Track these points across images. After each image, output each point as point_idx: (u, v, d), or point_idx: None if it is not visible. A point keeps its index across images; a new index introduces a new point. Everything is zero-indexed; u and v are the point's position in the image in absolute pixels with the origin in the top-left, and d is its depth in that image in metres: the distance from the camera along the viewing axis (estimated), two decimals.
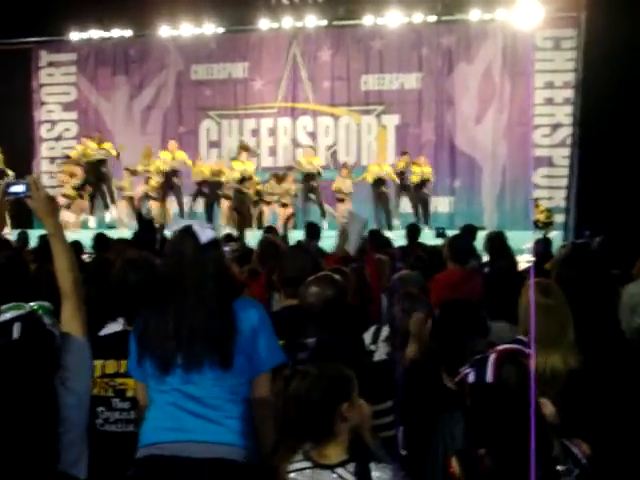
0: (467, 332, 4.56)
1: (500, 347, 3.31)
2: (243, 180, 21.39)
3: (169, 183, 22.00)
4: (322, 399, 3.23)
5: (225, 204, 22.22)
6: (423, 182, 21.90)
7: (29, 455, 3.42)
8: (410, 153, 22.22)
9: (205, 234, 3.83)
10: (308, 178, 22.06)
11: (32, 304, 3.58)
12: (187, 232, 3.84)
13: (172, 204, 22.21)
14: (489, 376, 3.20)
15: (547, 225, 20.74)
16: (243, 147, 22.16)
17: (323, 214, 21.65)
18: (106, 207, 22.08)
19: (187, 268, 3.79)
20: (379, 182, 21.92)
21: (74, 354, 3.62)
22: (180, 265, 3.80)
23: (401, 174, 21.95)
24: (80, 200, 22.53)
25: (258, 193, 22.36)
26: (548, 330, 4.19)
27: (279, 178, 22.48)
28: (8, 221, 18.35)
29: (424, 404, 4.39)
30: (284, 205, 22.25)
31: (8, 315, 3.51)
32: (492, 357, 3.22)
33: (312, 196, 22.10)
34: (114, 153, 22.01)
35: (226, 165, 22.14)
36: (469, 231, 10.05)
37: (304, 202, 22.22)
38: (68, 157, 23.03)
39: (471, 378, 3.24)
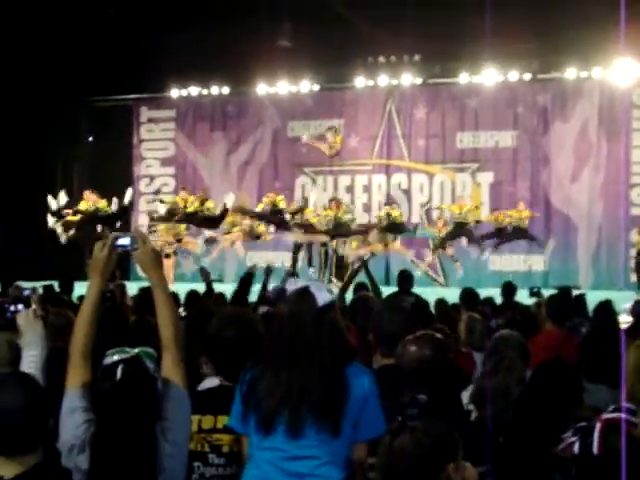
0: (561, 396, 4.46)
1: (605, 415, 3.21)
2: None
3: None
4: (430, 456, 3.16)
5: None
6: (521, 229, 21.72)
7: None
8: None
9: (322, 296, 3.85)
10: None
11: (136, 349, 3.64)
12: (305, 293, 3.86)
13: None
14: (595, 447, 3.10)
15: None
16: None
17: None
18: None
19: (304, 330, 3.79)
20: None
21: (175, 402, 3.65)
22: (297, 327, 3.80)
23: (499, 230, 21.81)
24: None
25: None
26: None
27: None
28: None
29: (520, 470, 4.31)
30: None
31: (113, 358, 3.58)
32: (598, 426, 3.12)
33: None
34: (215, 212, 21.98)
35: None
36: (567, 292, 9.91)
37: None
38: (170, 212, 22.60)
39: (576, 448, 3.15)
